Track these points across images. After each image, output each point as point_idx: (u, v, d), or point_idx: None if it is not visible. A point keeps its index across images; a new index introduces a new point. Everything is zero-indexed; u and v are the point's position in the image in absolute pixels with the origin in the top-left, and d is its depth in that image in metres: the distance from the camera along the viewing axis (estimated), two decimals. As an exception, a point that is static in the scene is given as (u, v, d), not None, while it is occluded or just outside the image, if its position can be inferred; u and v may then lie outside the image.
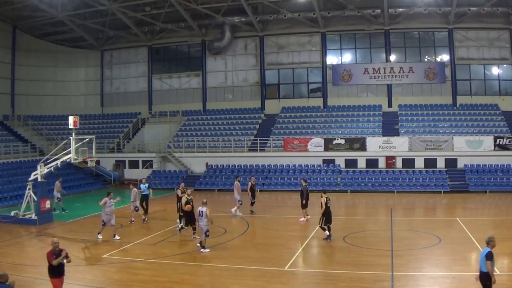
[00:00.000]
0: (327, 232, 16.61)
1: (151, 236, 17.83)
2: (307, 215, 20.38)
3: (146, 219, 20.68)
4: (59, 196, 23.73)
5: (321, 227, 16.75)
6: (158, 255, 15.10)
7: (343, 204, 26.83)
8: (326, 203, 16.61)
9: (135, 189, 20.95)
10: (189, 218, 16.88)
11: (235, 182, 22.58)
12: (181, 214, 18.52)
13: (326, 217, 16.63)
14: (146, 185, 22.13)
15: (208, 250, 15.20)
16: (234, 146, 35.19)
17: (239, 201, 22.11)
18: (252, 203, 22.63)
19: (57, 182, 23.95)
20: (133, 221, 20.60)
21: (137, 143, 38.05)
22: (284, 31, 38.90)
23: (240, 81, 40.51)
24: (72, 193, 29.74)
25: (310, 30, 38.21)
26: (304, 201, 20.33)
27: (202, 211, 15.08)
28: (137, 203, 20.79)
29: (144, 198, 21.30)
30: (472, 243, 15.66)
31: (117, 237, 17.15)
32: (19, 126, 38.69)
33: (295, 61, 39.26)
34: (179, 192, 19.27)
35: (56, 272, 10.23)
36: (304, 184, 20.92)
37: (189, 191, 17.57)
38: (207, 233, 15.09)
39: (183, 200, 17.10)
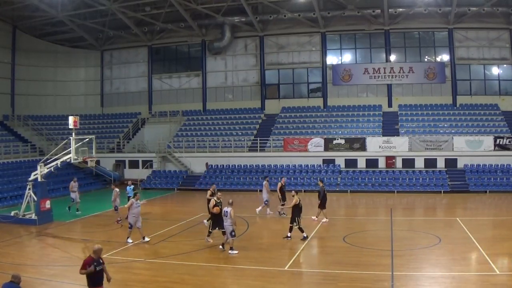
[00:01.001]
0: (288, 234, 16.76)
1: (151, 236, 17.79)
2: (326, 218, 20.18)
3: (120, 220, 20.33)
4: (72, 196, 23.40)
5: (297, 226, 16.77)
6: (158, 255, 15.10)
7: (343, 204, 26.86)
8: (299, 204, 16.81)
9: (117, 189, 21.26)
10: (216, 221, 16.10)
11: (264, 182, 22.71)
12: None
13: (298, 215, 16.78)
14: (132, 187, 22.21)
15: (236, 252, 14.95)
16: (234, 146, 35.17)
17: (266, 200, 22.09)
18: (282, 204, 21.98)
19: (72, 182, 23.71)
20: (119, 220, 20.43)
21: (137, 143, 38.04)
22: (284, 31, 38.89)
23: (240, 81, 40.50)
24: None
25: (310, 30, 38.19)
26: (319, 201, 20.23)
27: (227, 211, 14.98)
28: (118, 203, 20.95)
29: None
30: (472, 243, 15.66)
31: (146, 239, 16.79)
32: (19, 126, 38.67)
33: (295, 61, 39.25)
34: (208, 193, 19.25)
35: (96, 281, 9.22)
36: (321, 184, 20.91)
37: (219, 194, 17.01)
38: (233, 233, 14.94)
39: (211, 203, 16.52)
